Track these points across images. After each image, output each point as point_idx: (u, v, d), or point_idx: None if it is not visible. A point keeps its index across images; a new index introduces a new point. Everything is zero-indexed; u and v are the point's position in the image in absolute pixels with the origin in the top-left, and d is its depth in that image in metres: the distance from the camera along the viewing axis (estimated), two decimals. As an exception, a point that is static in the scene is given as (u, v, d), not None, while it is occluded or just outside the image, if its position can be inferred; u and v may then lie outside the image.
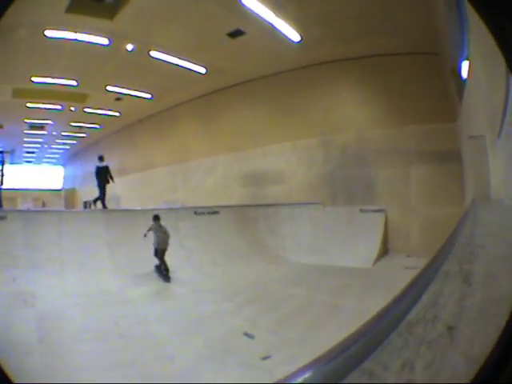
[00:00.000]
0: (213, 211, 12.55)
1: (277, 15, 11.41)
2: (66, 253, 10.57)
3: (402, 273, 8.61)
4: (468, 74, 9.39)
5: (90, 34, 12.97)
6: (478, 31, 6.11)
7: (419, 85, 12.49)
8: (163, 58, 14.68)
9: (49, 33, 12.63)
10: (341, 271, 10.45)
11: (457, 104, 12.36)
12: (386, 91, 13.31)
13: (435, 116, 12.45)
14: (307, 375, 1.25)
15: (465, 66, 9.55)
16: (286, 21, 11.71)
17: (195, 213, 12.38)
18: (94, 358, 5.61)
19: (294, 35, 12.33)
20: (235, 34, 12.46)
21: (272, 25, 11.84)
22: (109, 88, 18.31)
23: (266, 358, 5.44)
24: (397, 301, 1.77)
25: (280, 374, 1.42)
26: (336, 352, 1.35)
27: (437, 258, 2.59)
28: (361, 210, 12.72)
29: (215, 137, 19.35)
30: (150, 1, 11.09)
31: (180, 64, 15.18)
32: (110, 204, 15.42)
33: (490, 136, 7.69)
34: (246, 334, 6.38)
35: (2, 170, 13.95)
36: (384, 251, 11.89)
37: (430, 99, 12.31)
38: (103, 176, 14.76)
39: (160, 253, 10.20)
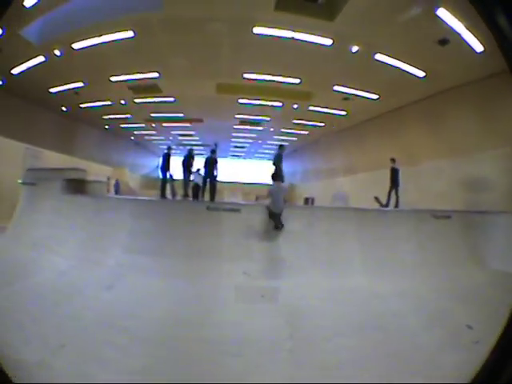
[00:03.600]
0: (446, 215, 12.51)
1: (467, 28, 11.87)
2: (317, 250, 10.97)
3: None
4: None
5: (311, 33, 13.78)
6: None
7: None
8: (386, 61, 15.28)
9: (257, 30, 13.67)
10: None
11: None
12: None
13: None
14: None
15: None
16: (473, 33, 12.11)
17: (433, 216, 12.39)
18: (349, 353, 5.96)
19: (478, 46, 12.78)
20: (443, 41, 13.00)
21: (461, 36, 12.36)
22: (336, 88, 19.28)
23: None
24: None
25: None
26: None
27: None
28: None
29: (438, 141, 19.47)
30: (367, 3, 11.68)
31: (401, 67, 15.72)
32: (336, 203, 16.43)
33: None
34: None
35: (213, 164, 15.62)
36: None
37: None
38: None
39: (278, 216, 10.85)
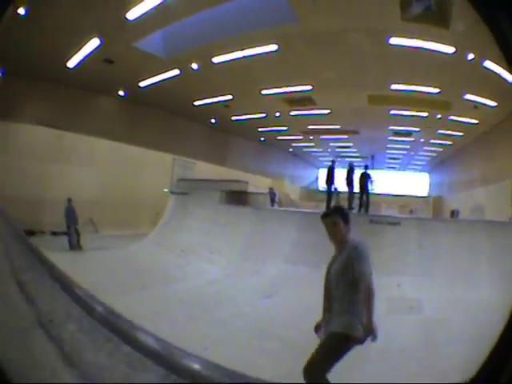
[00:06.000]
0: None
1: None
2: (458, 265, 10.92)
3: None
4: None
5: (434, 41, 13.82)
6: None
7: None
8: (494, 69, 14.78)
9: (393, 40, 13.95)
10: None
11: None
12: None
13: None
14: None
15: None
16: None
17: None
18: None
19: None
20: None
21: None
22: (466, 96, 18.94)
23: None
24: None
25: None
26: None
27: None
28: None
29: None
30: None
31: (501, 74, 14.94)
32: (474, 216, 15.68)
33: None
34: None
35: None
36: None
37: None
38: None
39: None
